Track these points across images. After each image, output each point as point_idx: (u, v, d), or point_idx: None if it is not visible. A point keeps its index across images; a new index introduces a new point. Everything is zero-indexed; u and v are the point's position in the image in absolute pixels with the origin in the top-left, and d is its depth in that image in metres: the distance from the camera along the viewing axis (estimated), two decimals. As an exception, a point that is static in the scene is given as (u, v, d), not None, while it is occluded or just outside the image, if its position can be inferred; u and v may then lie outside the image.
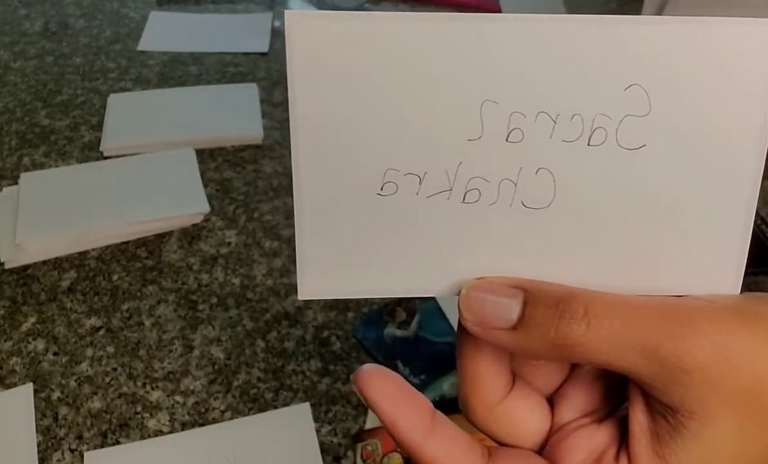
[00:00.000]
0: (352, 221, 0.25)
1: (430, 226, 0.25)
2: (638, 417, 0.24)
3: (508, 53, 0.23)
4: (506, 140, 0.24)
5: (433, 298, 0.69)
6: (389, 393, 0.24)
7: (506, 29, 0.23)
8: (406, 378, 0.64)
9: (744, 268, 0.25)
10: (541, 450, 0.27)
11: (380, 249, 0.25)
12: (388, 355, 0.64)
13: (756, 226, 0.76)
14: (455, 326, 0.69)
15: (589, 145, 0.24)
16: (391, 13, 0.23)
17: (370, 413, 0.60)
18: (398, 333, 0.66)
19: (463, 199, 0.25)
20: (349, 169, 0.24)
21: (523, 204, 0.25)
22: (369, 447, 0.57)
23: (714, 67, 0.23)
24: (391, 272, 0.25)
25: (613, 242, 0.25)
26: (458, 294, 0.25)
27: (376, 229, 0.25)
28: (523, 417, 0.27)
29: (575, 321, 0.23)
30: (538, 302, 0.24)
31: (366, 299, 0.69)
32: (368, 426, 0.59)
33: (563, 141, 0.24)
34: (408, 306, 0.68)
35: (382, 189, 0.24)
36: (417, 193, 0.24)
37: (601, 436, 0.26)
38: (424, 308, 0.68)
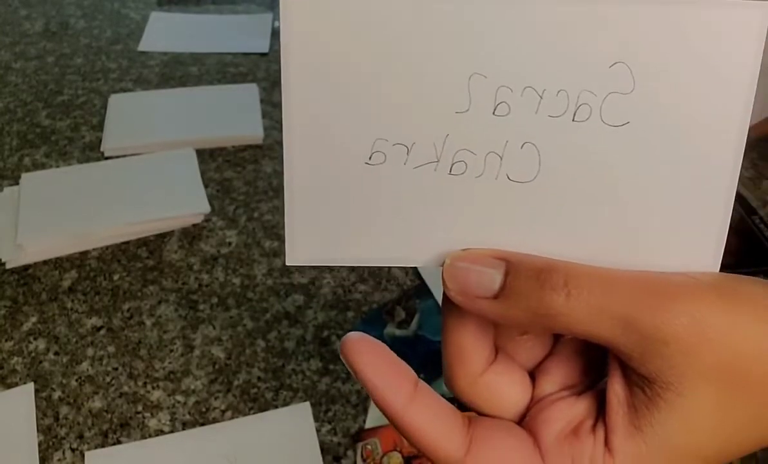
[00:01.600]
0: (341, 189, 0.25)
1: (416, 197, 0.25)
2: (616, 389, 0.25)
3: (497, 28, 0.24)
4: (493, 113, 0.24)
5: (432, 297, 0.69)
6: (373, 361, 0.25)
7: (495, 5, 0.23)
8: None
9: (723, 246, 0.25)
10: (521, 421, 0.27)
11: (367, 217, 0.26)
12: (388, 355, 0.64)
13: (756, 225, 0.76)
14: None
15: (573, 120, 0.24)
16: None
17: (370, 412, 0.60)
18: (398, 332, 0.66)
19: (450, 171, 0.25)
20: (339, 137, 0.25)
21: (508, 177, 0.25)
22: (369, 447, 0.57)
23: (698, 46, 0.24)
24: (378, 241, 0.26)
25: (595, 217, 0.25)
26: (443, 264, 0.26)
27: (363, 197, 0.25)
28: (504, 389, 0.27)
29: (555, 292, 0.23)
30: (520, 272, 0.24)
31: (366, 299, 0.69)
32: (368, 425, 0.59)
33: (549, 116, 0.24)
34: (407, 305, 0.68)
35: (370, 158, 0.25)
36: (405, 164, 0.25)
37: (579, 408, 0.26)
38: (424, 307, 0.68)
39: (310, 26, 0.24)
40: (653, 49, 0.24)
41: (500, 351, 0.28)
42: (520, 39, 0.24)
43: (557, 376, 0.28)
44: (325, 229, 0.26)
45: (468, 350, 0.27)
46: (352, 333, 0.26)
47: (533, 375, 0.28)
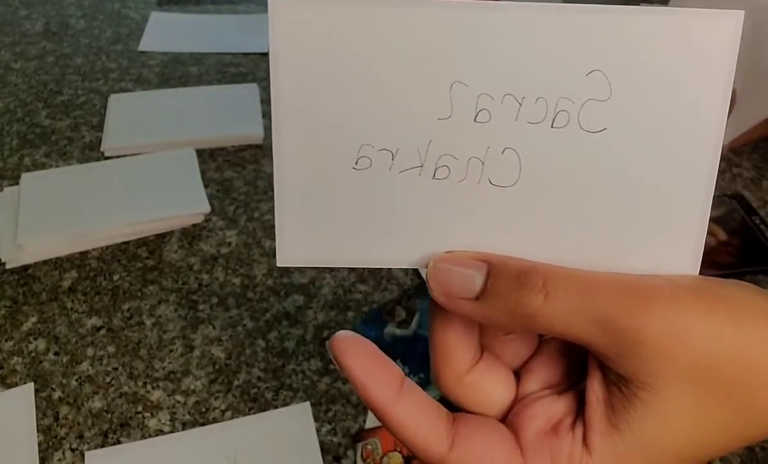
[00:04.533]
0: (329, 193, 0.26)
1: (401, 200, 0.26)
2: (594, 388, 0.25)
3: (477, 38, 0.24)
4: (474, 120, 0.25)
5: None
6: (361, 360, 0.26)
7: (474, 15, 0.24)
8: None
9: (702, 249, 0.26)
10: (505, 419, 0.28)
11: (355, 220, 0.26)
12: (388, 354, 0.64)
13: (756, 226, 0.76)
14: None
15: (552, 126, 0.25)
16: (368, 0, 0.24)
17: (370, 413, 0.60)
18: (398, 332, 0.66)
19: (434, 175, 0.26)
20: (327, 143, 0.26)
21: (490, 182, 0.26)
22: (369, 447, 0.57)
23: (674, 54, 0.24)
24: (365, 243, 0.27)
25: (575, 220, 0.26)
26: (427, 266, 0.26)
27: (351, 201, 0.26)
28: (489, 387, 0.28)
29: (534, 293, 0.24)
30: (501, 274, 0.25)
31: (366, 299, 0.69)
32: (368, 425, 0.59)
33: (528, 122, 0.25)
34: (407, 305, 0.68)
35: (357, 163, 0.26)
36: (390, 168, 0.26)
37: (559, 406, 0.27)
38: (424, 307, 0.68)
39: (297, 37, 0.24)
40: (629, 57, 0.24)
41: (486, 350, 0.28)
42: (500, 48, 0.24)
43: (540, 375, 0.28)
44: (314, 230, 0.27)
45: (453, 349, 0.27)
46: (341, 332, 0.26)
47: (518, 374, 0.29)
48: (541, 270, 0.24)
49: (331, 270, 0.72)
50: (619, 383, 0.24)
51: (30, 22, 1.16)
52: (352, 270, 0.72)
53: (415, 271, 0.71)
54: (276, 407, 0.61)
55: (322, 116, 0.25)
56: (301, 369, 0.64)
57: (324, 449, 0.58)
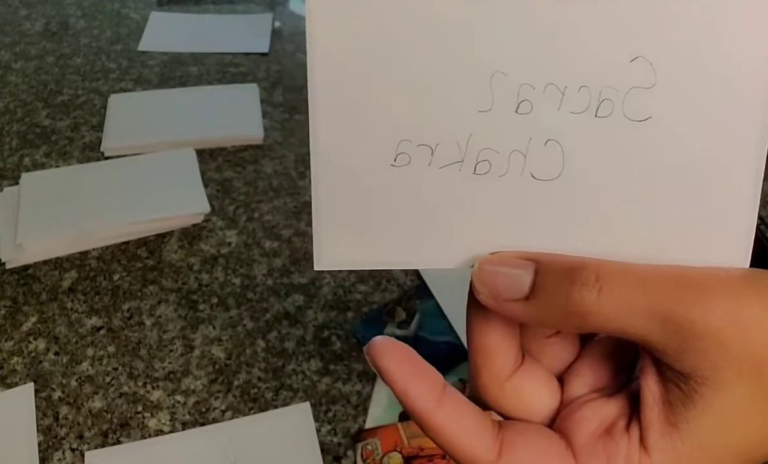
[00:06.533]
0: (367, 192, 0.25)
1: (442, 197, 0.25)
2: (650, 386, 0.24)
3: (517, 26, 0.23)
4: (516, 112, 0.24)
5: (432, 298, 0.69)
6: (402, 363, 0.25)
7: (514, 2, 0.23)
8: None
9: (752, 241, 0.25)
10: (551, 425, 0.27)
11: (394, 220, 0.26)
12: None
13: (756, 226, 0.76)
14: (455, 326, 0.69)
15: (596, 116, 0.24)
16: None
17: (370, 412, 0.60)
18: (398, 332, 0.66)
19: (474, 170, 0.25)
20: (364, 140, 0.25)
21: (532, 175, 0.25)
22: (369, 447, 0.57)
23: (719, 38, 0.23)
24: (405, 243, 0.26)
25: (622, 212, 0.25)
26: (471, 266, 0.25)
27: (389, 200, 0.25)
28: (532, 392, 0.27)
29: (586, 288, 0.23)
30: (549, 271, 0.24)
31: (366, 299, 0.69)
32: (368, 425, 0.59)
33: (571, 112, 0.24)
34: (408, 306, 0.68)
35: (395, 160, 0.25)
36: (429, 164, 0.25)
37: (611, 408, 0.26)
38: (424, 308, 0.68)
39: (333, 27, 0.24)
40: (673, 42, 0.23)
41: (527, 354, 0.28)
42: (540, 36, 0.23)
43: (587, 378, 0.27)
44: (352, 232, 0.26)
45: (494, 353, 0.26)
46: (378, 337, 0.25)
47: (561, 379, 0.28)
48: (591, 264, 0.24)
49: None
50: (677, 380, 0.23)
51: (30, 22, 1.16)
52: (351, 270, 0.72)
53: (416, 272, 0.71)
54: (276, 407, 0.61)
55: (359, 112, 0.24)
56: (301, 369, 0.64)
57: (324, 449, 0.58)
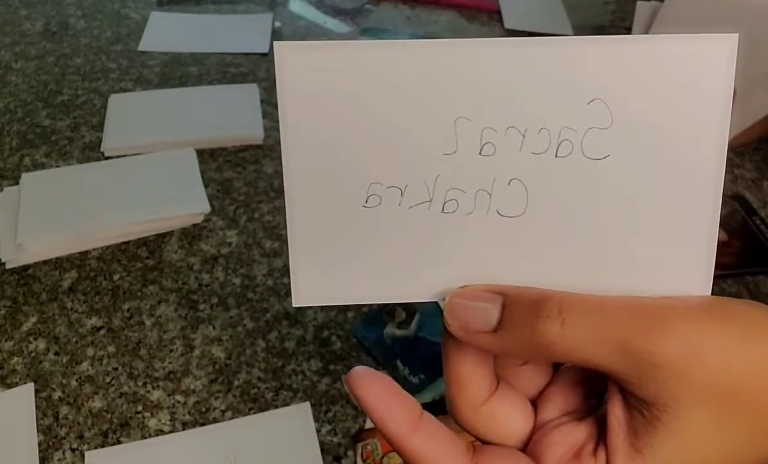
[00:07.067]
0: (341, 232, 0.27)
1: (412, 235, 0.27)
2: (616, 412, 0.25)
3: (477, 74, 0.25)
4: (479, 154, 0.26)
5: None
6: (378, 393, 0.26)
7: (473, 52, 0.25)
8: (405, 377, 0.64)
9: (713, 269, 0.26)
10: (524, 448, 0.28)
11: (368, 258, 0.27)
12: (388, 355, 0.64)
13: (756, 226, 0.76)
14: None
15: (556, 156, 0.25)
16: (371, 42, 0.25)
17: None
18: (398, 333, 0.66)
19: (442, 209, 0.26)
20: (337, 184, 0.26)
21: (498, 213, 0.26)
22: (369, 447, 0.57)
23: (672, 80, 0.24)
24: (379, 279, 0.27)
25: (584, 246, 0.26)
26: (443, 299, 0.27)
27: (363, 239, 0.27)
28: (506, 417, 0.28)
29: (550, 321, 0.24)
30: (516, 305, 0.25)
31: (366, 299, 0.69)
32: (368, 425, 0.59)
33: (532, 153, 0.25)
34: (407, 306, 0.68)
35: (366, 201, 0.26)
36: (399, 205, 0.26)
37: (580, 432, 0.27)
38: (424, 308, 0.68)
39: (304, 80, 0.25)
40: (628, 85, 0.25)
41: (501, 380, 0.28)
42: (501, 82, 0.25)
43: (558, 403, 0.28)
44: (328, 270, 0.27)
45: (468, 380, 0.27)
46: (358, 367, 0.26)
47: (535, 403, 0.29)
48: (555, 297, 0.25)
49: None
50: (640, 407, 0.24)
51: (30, 22, 1.16)
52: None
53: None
54: (276, 407, 0.61)
55: (331, 157, 0.26)
56: (301, 369, 0.64)
57: (324, 449, 0.58)
